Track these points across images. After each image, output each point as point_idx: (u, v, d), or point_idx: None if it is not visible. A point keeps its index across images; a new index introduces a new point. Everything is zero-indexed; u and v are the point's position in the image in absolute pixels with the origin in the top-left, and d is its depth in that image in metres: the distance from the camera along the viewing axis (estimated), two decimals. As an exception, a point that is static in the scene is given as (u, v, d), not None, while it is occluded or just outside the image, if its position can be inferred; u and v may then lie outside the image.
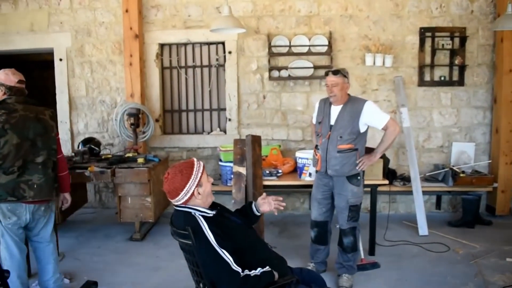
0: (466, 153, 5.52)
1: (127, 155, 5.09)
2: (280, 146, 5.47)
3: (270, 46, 5.59)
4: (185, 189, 2.24)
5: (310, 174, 4.33)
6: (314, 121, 3.92)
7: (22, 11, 5.92)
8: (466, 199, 5.17)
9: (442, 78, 5.57)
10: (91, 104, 6.02)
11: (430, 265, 4.07)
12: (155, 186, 4.77)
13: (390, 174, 5.13)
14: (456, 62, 5.50)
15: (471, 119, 5.63)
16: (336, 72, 3.54)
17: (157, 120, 5.89)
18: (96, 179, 4.60)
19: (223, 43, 5.81)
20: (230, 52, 5.74)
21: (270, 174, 4.49)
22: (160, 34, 5.81)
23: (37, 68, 8.72)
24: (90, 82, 5.98)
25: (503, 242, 4.57)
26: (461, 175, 5.19)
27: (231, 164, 4.56)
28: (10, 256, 3.12)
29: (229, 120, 5.82)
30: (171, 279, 3.87)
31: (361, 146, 3.59)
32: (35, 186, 3.09)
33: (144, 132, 5.54)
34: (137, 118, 5.37)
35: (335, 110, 3.59)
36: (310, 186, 4.08)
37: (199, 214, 2.24)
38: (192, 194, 2.25)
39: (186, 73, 6.00)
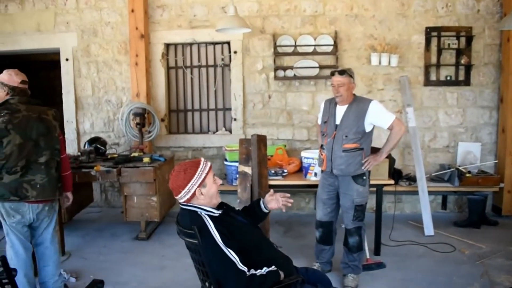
0: (472, 153, 5.50)
1: (133, 154, 5.11)
2: (285, 145, 5.47)
3: (275, 46, 5.59)
4: (186, 188, 2.25)
5: (315, 174, 4.34)
6: (319, 122, 3.92)
7: (28, 11, 5.96)
8: (472, 199, 5.15)
9: (448, 78, 5.55)
10: (97, 103, 6.05)
11: (436, 265, 4.06)
12: (160, 185, 4.78)
13: (395, 174, 5.11)
14: (462, 61, 5.48)
15: (477, 119, 5.60)
16: (342, 72, 3.54)
17: (162, 120, 5.91)
18: (102, 178, 4.62)
19: (228, 43, 5.82)
20: (235, 52, 5.74)
21: (276, 174, 4.50)
22: (165, 34, 5.83)
23: (43, 68, 8.76)
24: (96, 81, 6.01)
25: (509, 242, 4.55)
26: (467, 175, 5.17)
27: (237, 164, 4.56)
28: (15, 255, 3.14)
29: (235, 119, 5.83)
30: (176, 278, 3.88)
31: (367, 146, 3.58)
32: (38, 186, 3.11)
33: (149, 132, 5.56)
34: (142, 118, 5.39)
35: (341, 110, 3.58)
36: (315, 186, 4.08)
37: (205, 214, 2.25)
38: (194, 193, 2.26)
39: (191, 73, 6.01)
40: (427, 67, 5.53)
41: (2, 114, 3.02)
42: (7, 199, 3.05)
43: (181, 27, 5.80)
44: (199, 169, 2.28)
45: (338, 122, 3.57)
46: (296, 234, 5.04)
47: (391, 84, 5.60)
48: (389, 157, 4.20)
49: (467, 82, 5.54)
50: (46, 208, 3.24)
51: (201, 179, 2.26)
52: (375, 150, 3.68)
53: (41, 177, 3.13)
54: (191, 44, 5.93)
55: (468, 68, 5.50)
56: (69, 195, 3.53)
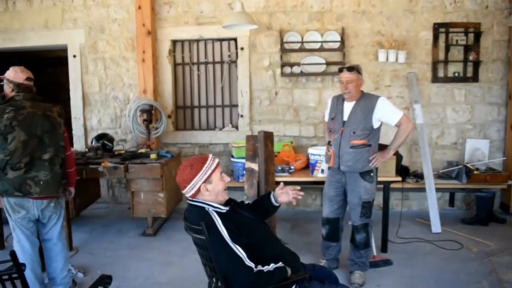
0: (480, 150, 5.46)
1: (140, 151, 5.12)
2: (292, 142, 5.45)
3: (282, 42, 5.58)
4: (191, 183, 2.27)
5: (322, 171, 4.33)
6: (326, 119, 3.91)
7: (36, 8, 5.99)
8: (480, 197, 5.12)
9: (456, 74, 5.52)
10: (104, 100, 6.07)
11: (443, 263, 4.04)
12: (167, 181, 4.80)
13: (403, 171, 5.09)
14: (471, 58, 5.43)
15: (486, 116, 5.56)
16: (351, 69, 3.52)
17: (169, 116, 5.92)
18: (109, 174, 4.64)
19: (235, 39, 5.81)
20: (242, 48, 5.74)
21: (282, 171, 4.50)
22: (172, 30, 5.83)
23: (51, 65, 8.82)
24: (103, 78, 6.03)
25: (517, 240, 4.53)
26: (475, 172, 5.13)
27: (243, 160, 4.56)
28: (22, 250, 3.17)
29: (241, 116, 5.83)
30: (183, 274, 3.89)
31: (374, 143, 3.57)
32: (41, 183, 3.13)
33: (156, 128, 5.57)
34: (149, 114, 5.40)
35: (348, 106, 3.57)
36: (322, 182, 4.07)
37: (213, 210, 2.26)
38: (199, 189, 2.27)
39: (198, 70, 6.02)
40: (434, 64, 5.50)
41: (7, 111, 3.05)
42: (11, 195, 3.08)
43: (188, 24, 5.80)
44: (205, 165, 2.28)
45: (345, 118, 3.56)
46: (303, 230, 5.03)
47: (398, 80, 5.57)
48: (397, 154, 4.19)
49: (475, 78, 5.50)
50: (51, 204, 3.27)
51: (206, 175, 2.27)
52: (382, 147, 3.67)
53: (45, 174, 3.15)
54: (197, 41, 5.93)
55: (476, 64, 5.46)
56: (72, 189, 3.57)
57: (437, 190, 5.13)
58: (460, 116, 5.58)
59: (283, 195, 2.58)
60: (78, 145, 6.08)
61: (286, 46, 5.60)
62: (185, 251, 4.35)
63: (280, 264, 2.22)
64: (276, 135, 5.56)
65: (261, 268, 2.16)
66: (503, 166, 5.54)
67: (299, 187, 2.61)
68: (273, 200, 2.59)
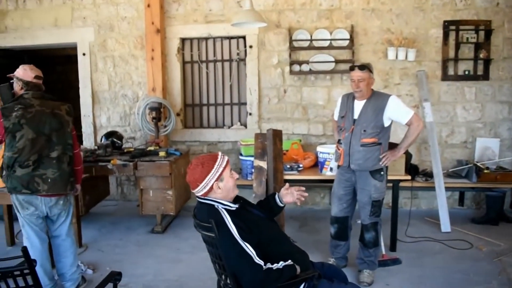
0: (490, 149, 5.41)
1: (149, 148, 5.14)
2: (300, 140, 5.45)
3: (291, 40, 5.57)
4: (204, 182, 2.26)
5: (331, 169, 4.32)
6: (335, 117, 3.90)
7: (46, 6, 6.03)
8: (490, 196, 5.08)
9: (466, 72, 5.47)
10: (114, 98, 6.10)
11: (452, 262, 4.02)
12: (176, 179, 4.81)
13: (412, 170, 5.06)
14: (481, 56, 5.39)
15: (496, 114, 5.51)
16: (362, 68, 3.50)
17: (178, 114, 5.94)
18: (118, 172, 4.66)
19: (244, 37, 5.81)
20: (251, 46, 5.73)
21: (291, 169, 4.49)
22: (181, 28, 5.85)
23: (60, 63, 8.87)
24: (112, 76, 6.06)
25: (528, 240, 4.49)
26: (485, 171, 5.09)
27: (252, 158, 4.56)
28: (31, 246, 3.20)
29: (250, 114, 5.82)
30: (192, 271, 3.90)
31: (385, 141, 3.55)
32: (49, 180, 3.16)
33: (165, 126, 5.59)
34: (158, 112, 5.42)
35: (359, 105, 3.56)
36: (330, 181, 4.06)
37: (222, 207, 2.26)
38: (211, 187, 2.27)
39: (207, 67, 6.02)
40: (444, 62, 5.46)
41: (16, 109, 3.07)
42: (19, 192, 3.11)
43: (197, 22, 5.80)
44: (216, 163, 2.29)
45: (356, 116, 3.55)
46: (311, 229, 5.03)
47: (408, 78, 5.54)
48: (406, 152, 4.17)
49: (485, 76, 5.45)
50: (60, 202, 3.29)
51: (218, 173, 2.27)
52: (392, 146, 3.65)
53: (53, 172, 3.17)
54: (206, 39, 5.93)
55: (487, 62, 5.41)
56: (78, 186, 3.59)
57: (447, 189, 5.10)
58: (470, 114, 5.54)
59: (288, 196, 2.59)
60: (88, 142, 6.12)
61: (295, 44, 5.59)
62: (194, 249, 4.36)
63: (289, 262, 2.22)
64: (285, 133, 5.53)
65: (270, 266, 2.16)
66: (514, 165, 5.50)
67: (303, 188, 2.62)
68: (278, 200, 2.60)
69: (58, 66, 9.01)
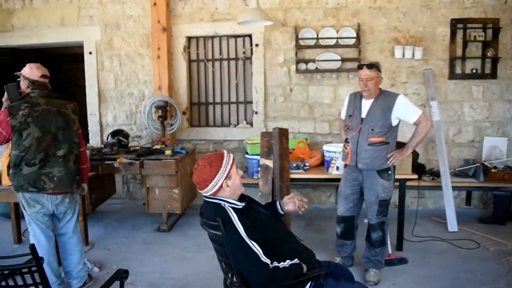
0: (498, 148, 5.37)
1: (155, 147, 5.15)
2: (306, 139, 5.44)
3: (297, 39, 5.55)
4: (213, 181, 2.26)
5: (337, 168, 4.31)
6: (342, 116, 3.89)
7: (53, 5, 6.05)
8: (498, 195, 5.05)
9: (474, 71, 5.43)
10: (120, 96, 6.12)
11: (459, 262, 3.99)
12: (182, 178, 4.82)
13: (419, 169, 5.03)
14: (489, 54, 5.35)
15: (504, 113, 5.47)
16: (371, 66, 3.48)
17: (184, 113, 5.94)
18: (125, 170, 4.67)
19: (250, 36, 5.80)
20: (257, 45, 5.73)
21: (297, 167, 4.48)
22: (187, 27, 5.85)
23: (66, 62, 8.91)
24: (118, 75, 6.07)
25: (536, 239, 4.46)
26: (493, 170, 5.05)
27: (258, 157, 4.56)
28: (38, 244, 3.20)
29: (256, 113, 5.82)
30: (198, 270, 3.91)
31: (392, 140, 3.54)
32: (56, 179, 3.17)
33: (171, 125, 5.60)
34: (164, 111, 5.43)
35: (367, 104, 3.54)
36: (337, 179, 4.05)
37: (229, 206, 2.26)
38: (221, 186, 2.27)
39: (213, 66, 6.02)
40: (452, 60, 5.42)
41: (22, 108, 3.09)
42: (26, 190, 3.13)
43: (203, 20, 5.80)
44: (224, 161, 2.29)
45: (363, 115, 3.53)
46: (317, 228, 5.02)
47: (415, 77, 5.51)
48: (413, 151, 4.14)
49: (493, 75, 5.41)
50: (66, 200, 3.31)
51: (227, 171, 2.27)
52: (400, 145, 3.64)
53: (59, 170, 3.19)
54: (212, 37, 5.93)
55: (495, 60, 5.37)
56: (85, 186, 3.60)
57: (454, 188, 5.07)
58: (478, 113, 5.50)
59: (290, 204, 2.60)
60: (94, 141, 6.14)
61: (301, 42, 5.58)
62: (200, 247, 4.37)
63: (295, 260, 2.22)
64: (291, 132, 5.53)
65: (277, 265, 2.16)
66: (522, 165, 5.45)
67: (306, 200, 2.65)
68: (278, 208, 2.61)
69: (64, 65, 9.05)
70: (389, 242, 3.95)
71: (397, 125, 3.55)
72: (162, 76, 5.74)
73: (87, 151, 3.76)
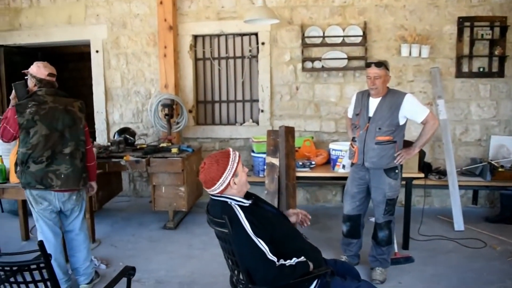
0: (505, 147, 5.34)
1: (161, 145, 5.17)
2: (312, 137, 5.43)
3: (303, 37, 5.55)
4: (221, 179, 2.26)
5: (343, 166, 4.30)
6: (349, 115, 3.88)
7: (60, 4, 6.08)
8: (505, 194, 5.02)
9: (481, 69, 5.40)
10: (126, 95, 6.14)
11: (465, 261, 3.98)
12: (188, 176, 4.83)
13: (425, 168, 5.02)
14: (496, 52, 5.31)
15: (511, 112, 5.44)
16: (379, 65, 3.46)
17: (190, 111, 5.96)
18: (131, 168, 4.69)
19: (256, 34, 5.80)
20: (263, 43, 5.72)
21: (303, 166, 4.48)
22: (193, 25, 5.86)
23: (73, 60, 8.95)
24: (125, 73, 6.09)
25: (543, 239, 4.43)
26: (500, 169, 5.02)
27: (264, 155, 4.56)
28: (45, 240, 3.22)
29: (262, 111, 5.82)
30: (204, 267, 3.92)
31: (400, 139, 3.53)
32: (63, 176, 3.19)
33: (177, 123, 5.62)
34: (171, 109, 5.45)
35: (374, 102, 3.53)
36: (343, 178, 4.04)
37: (235, 203, 2.26)
38: (228, 184, 2.27)
39: (219, 64, 6.03)
40: (459, 58, 5.40)
41: (30, 106, 3.12)
42: (33, 187, 3.16)
43: (209, 19, 5.81)
44: (230, 159, 2.29)
45: (371, 114, 3.52)
46: (323, 226, 5.02)
47: (421, 75, 5.49)
48: (419, 150, 4.13)
49: (500, 73, 5.38)
50: (73, 197, 3.33)
51: (234, 169, 2.28)
52: (407, 144, 3.63)
53: (66, 167, 3.21)
54: (219, 36, 5.94)
55: (502, 59, 5.33)
56: (94, 184, 3.61)
57: (460, 187, 5.05)
58: (485, 112, 5.47)
59: (294, 216, 2.64)
60: (101, 139, 6.17)
61: (308, 40, 5.57)
62: (206, 245, 4.38)
63: (302, 258, 2.22)
64: (297, 130, 5.52)
65: (284, 262, 2.16)
66: (529, 164, 5.42)
67: (310, 217, 2.70)
68: None
69: (71, 63, 9.08)
70: (395, 241, 3.94)
71: (405, 124, 3.54)
72: (168, 74, 5.76)
73: (94, 149, 3.77)
